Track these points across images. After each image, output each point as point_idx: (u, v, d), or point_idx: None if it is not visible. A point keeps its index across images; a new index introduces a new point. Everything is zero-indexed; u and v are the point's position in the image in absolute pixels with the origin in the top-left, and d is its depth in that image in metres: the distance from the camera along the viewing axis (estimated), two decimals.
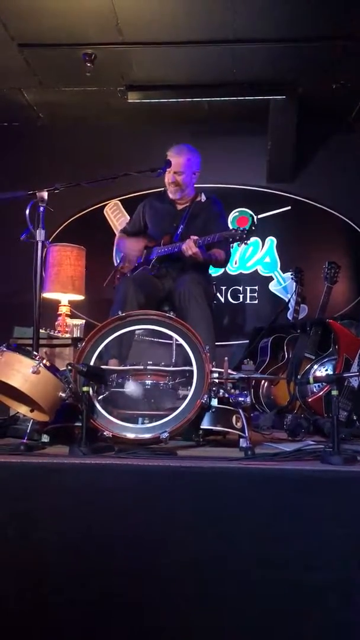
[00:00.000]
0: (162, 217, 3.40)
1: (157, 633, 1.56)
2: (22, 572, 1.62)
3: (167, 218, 3.37)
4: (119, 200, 4.92)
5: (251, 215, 4.55)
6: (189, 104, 4.46)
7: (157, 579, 1.58)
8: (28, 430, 2.13)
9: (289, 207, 4.82)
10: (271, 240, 4.81)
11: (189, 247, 3.02)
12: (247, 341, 4.46)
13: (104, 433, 2.08)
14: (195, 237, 3.04)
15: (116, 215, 4.93)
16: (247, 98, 4.33)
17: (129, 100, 4.39)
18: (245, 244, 3.01)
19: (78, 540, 1.63)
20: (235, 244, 3.04)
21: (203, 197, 3.37)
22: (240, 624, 1.53)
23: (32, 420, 2.18)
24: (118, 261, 3.60)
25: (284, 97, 4.28)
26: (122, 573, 1.59)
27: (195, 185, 3.40)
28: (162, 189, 3.44)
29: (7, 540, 1.64)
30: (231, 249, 3.29)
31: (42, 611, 1.59)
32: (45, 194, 2.55)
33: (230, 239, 2.98)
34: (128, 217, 4.69)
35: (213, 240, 3.06)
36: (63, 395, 2.09)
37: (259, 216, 4.76)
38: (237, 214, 4.82)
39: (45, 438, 2.22)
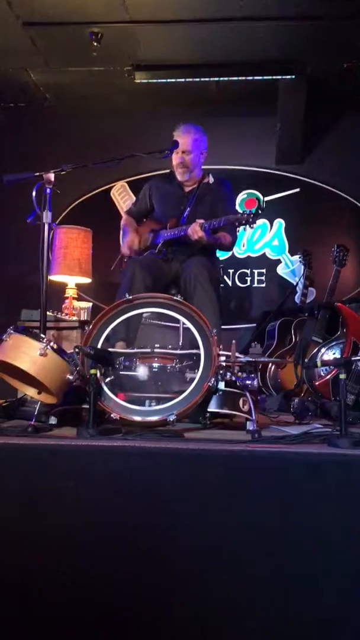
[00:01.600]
0: (169, 199, 3.37)
1: (163, 616, 1.57)
2: (29, 553, 1.64)
3: (173, 200, 3.34)
4: (126, 182, 4.89)
5: (258, 198, 4.51)
6: (196, 84, 4.40)
7: (163, 561, 1.59)
8: (36, 412, 2.15)
9: (298, 189, 4.77)
10: (279, 223, 4.77)
11: (195, 231, 3.00)
12: (255, 325, 4.45)
13: (112, 415, 2.09)
14: (201, 221, 3.01)
15: (123, 197, 4.90)
16: (255, 78, 4.27)
17: (136, 81, 4.33)
18: (252, 227, 2.97)
19: (85, 522, 1.64)
20: (241, 228, 3.00)
21: (211, 179, 3.33)
22: (248, 606, 1.54)
23: (39, 403, 2.19)
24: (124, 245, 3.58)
25: (293, 77, 4.21)
26: (129, 554, 1.60)
27: (202, 167, 3.37)
28: (169, 170, 3.41)
29: (14, 520, 1.65)
30: (238, 233, 3.25)
31: (47, 593, 1.61)
32: (52, 176, 2.53)
33: (237, 223, 2.94)
34: (135, 199, 4.67)
35: (219, 224, 3.02)
36: (70, 377, 2.10)
37: (268, 198, 4.72)
38: (245, 196, 4.78)
39: (52, 420, 2.23)
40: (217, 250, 3.36)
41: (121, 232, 3.59)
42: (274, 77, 4.25)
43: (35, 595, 1.61)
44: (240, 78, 4.30)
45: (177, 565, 1.59)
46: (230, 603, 1.55)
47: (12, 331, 2.14)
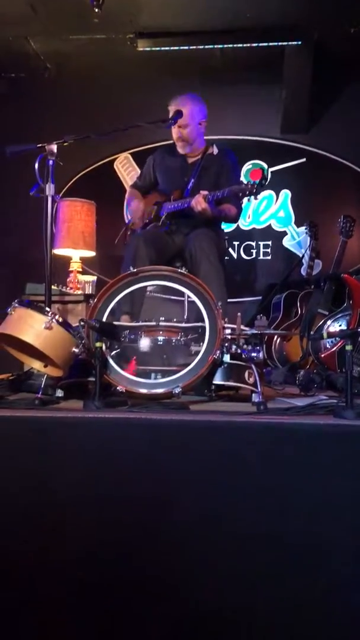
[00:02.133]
0: (173, 171, 3.33)
1: (170, 587, 1.59)
2: (36, 525, 1.66)
3: (177, 172, 3.30)
4: (130, 153, 4.83)
5: (263, 169, 4.45)
6: (200, 52, 4.30)
7: (169, 532, 1.61)
8: (42, 385, 2.16)
9: (304, 159, 4.69)
10: (285, 194, 4.71)
11: (198, 202, 2.96)
12: (260, 297, 4.44)
13: (117, 388, 2.10)
14: (205, 192, 2.97)
15: (127, 169, 4.84)
16: (260, 45, 4.17)
17: (139, 49, 4.25)
18: (256, 199, 2.93)
19: (92, 494, 1.66)
20: (246, 199, 2.95)
21: (215, 150, 3.27)
22: (253, 578, 1.57)
23: (46, 376, 2.20)
24: (129, 217, 3.56)
25: (299, 43, 4.11)
26: (134, 525, 1.62)
27: (206, 137, 3.32)
28: (172, 142, 3.36)
29: (21, 492, 1.68)
30: (242, 205, 3.21)
31: (54, 566, 1.63)
32: (54, 147, 2.50)
33: (240, 194, 2.90)
34: (139, 171, 4.60)
35: (223, 195, 2.98)
36: (76, 350, 2.10)
37: (273, 169, 4.65)
38: (250, 166, 4.71)
39: (59, 393, 2.24)
40: (222, 223, 3.33)
41: (125, 204, 3.56)
42: (280, 43, 4.14)
43: (41, 568, 1.64)
44: (244, 45, 4.21)
45: (182, 536, 1.61)
46: (236, 573, 1.57)
47: (17, 305, 2.14)
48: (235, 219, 3.33)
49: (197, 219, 3.07)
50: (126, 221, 3.78)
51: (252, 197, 2.86)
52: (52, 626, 1.62)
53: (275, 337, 3.84)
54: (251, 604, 1.56)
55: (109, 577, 1.62)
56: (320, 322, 3.34)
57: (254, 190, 2.83)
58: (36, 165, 2.45)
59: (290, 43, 4.13)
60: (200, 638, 1.57)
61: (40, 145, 2.51)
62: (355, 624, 1.51)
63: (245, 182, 2.98)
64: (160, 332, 2.29)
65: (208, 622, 1.57)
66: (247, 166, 4.69)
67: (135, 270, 2.29)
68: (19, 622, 1.63)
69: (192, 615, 1.58)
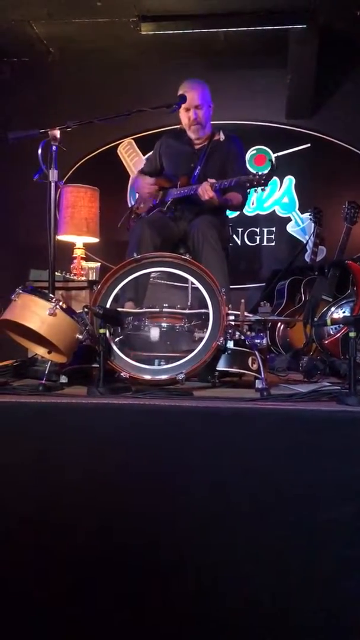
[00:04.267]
0: (179, 157, 3.32)
1: (173, 569, 1.61)
2: (40, 509, 1.68)
3: (184, 158, 3.29)
4: (133, 138, 4.79)
5: (270, 160, 4.40)
6: (204, 36, 4.25)
7: (172, 517, 1.63)
8: (46, 372, 2.17)
9: (309, 145, 4.65)
10: (290, 180, 4.68)
11: (205, 190, 2.95)
12: (264, 284, 4.43)
13: (121, 374, 2.11)
14: (212, 181, 2.97)
15: (130, 155, 4.81)
16: (265, 28, 4.11)
17: (142, 32, 4.19)
18: (263, 189, 2.92)
19: (95, 478, 1.67)
20: (253, 190, 2.95)
21: (222, 136, 3.26)
22: (255, 560, 1.58)
23: (50, 362, 2.21)
24: (132, 202, 3.54)
25: (304, 26, 4.05)
26: (139, 511, 1.64)
27: (212, 123, 3.30)
28: (179, 127, 3.33)
29: (26, 478, 1.69)
30: (248, 194, 3.20)
31: (57, 549, 1.65)
32: (57, 133, 2.48)
33: (247, 184, 2.89)
34: (142, 157, 4.58)
35: (230, 185, 2.98)
36: (80, 337, 2.11)
37: (277, 154, 4.62)
38: (254, 152, 4.67)
39: (63, 379, 2.25)
40: (227, 210, 3.32)
41: (129, 189, 3.55)
42: (284, 27, 4.09)
43: (48, 549, 1.66)
44: (249, 29, 4.15)
45: (185, 520, 1.62)
46: (240, 557, 1.59)
47: (21, 291, 2.14)
48: (240, 208, 3.32)
49: (202, 206, 3.06)
50: (129, 206, 3.77)
51: (260, 188, 2.85)
52: (55, 606, 1.65)
53: (279, 323, 3.84)
54: (255, 590, 1.57)
55: (111, 560, 1.63)
56: (324, 309, 3.34)
57: (262, 181, 2.82)
58: (39, 151, 2.43)
59: (295, 27, 4.06)
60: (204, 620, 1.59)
61: (42, 130, 2.49)
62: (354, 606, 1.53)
63: (253, 172, 2.96)
64: (164, 319, 2.30)
65: (211, 601, 1.59)
66: (251, 152, 4.66)
67: (139, 256, 2.29)
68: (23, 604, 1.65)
69: (195, 598, 1.60)
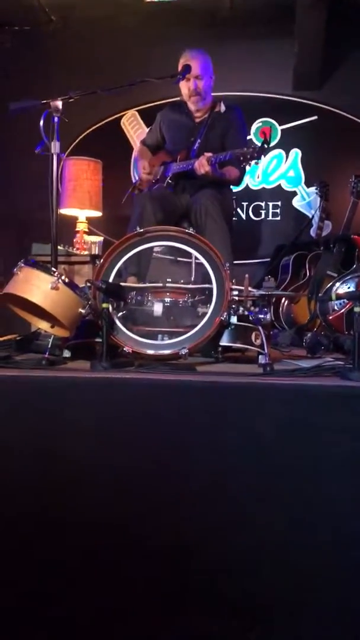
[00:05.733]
0: (179, 130, 3.27)
1: (180, 551, 1.62)
2: (43, 485, 1.68)
3: (183, 132, 3.24)
4: (137, 110, 4.72)
5: (272, 127, 4.33)
6: (209, 4, 4.16)
7: (176, 493, 1.63)
8: (49, 346, 2.16)
9: (315, 117, 4.56)
10: (296, 153, 4.60)
11: (201, 164, 2.92)
12: (269, 259, 4.39)
13: (124, 349, 2.10)
14: (209, 155, 2.93)
15: (133, 127, 4.74)
16: None
17: (146, 0, 4.10)
18: (257, 164, 2.87)
19: (98, 454, 1.67)
20: (247, 166, 2.90)
21: (222, 107, 3.20)
22: (259, 537, 1.59)
23: (53, 336, 2.20)
24: (136, 177, 3.50)
25: None
26: (141, 488, 1.64)
27: (214, 94, 3.23)
28: (179, 99, 3.27)
29: (29, 453, 1.70)
30: (244, 168, 3.15)
31: (60, 529, 1.65)
32: (59, 104, 2.44)
33: (242, 158, 2.84)
34: (146, 129, 4.51)
35: (224, 158, 2.94)
36: (83, 311, 2.10)
37: (283, 127, 4.55)
38: (260, 124, 4.59)
39: (66, 353, 2.25)
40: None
41: (132, 162, 3.51)
42: None
43: (47, 532, 1.67)
44: None
45: (189, 497, 1.63)
46: (238, 537, 1.60)
47: (23, 265, 2.13)
48: (236, 182, 3.29)
49: (203, 179, 3.02)
50: (133, 180, 3.73)
51: (254, 161, 2.80)
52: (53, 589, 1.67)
53: (283, 299, 3.82)
54: (256, 567, 1.59)
55: (115, 538, 1.64)
56: (329, 284, 3.31)
57: (256, 155, 2.77)
58: (41, 122, 2.40)
59: None
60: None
61: (44, 101, 2.45)
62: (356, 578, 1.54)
63: (248, 146, 2.89)
64: (167, 294, 2.28)
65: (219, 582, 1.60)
66: (257, 124, 4.58)
67: (142, 230, 2.27)
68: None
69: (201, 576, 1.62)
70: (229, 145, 3.05)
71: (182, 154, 3.16)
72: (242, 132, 3.27)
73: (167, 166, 3.22)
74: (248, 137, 4.23)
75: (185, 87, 3.14)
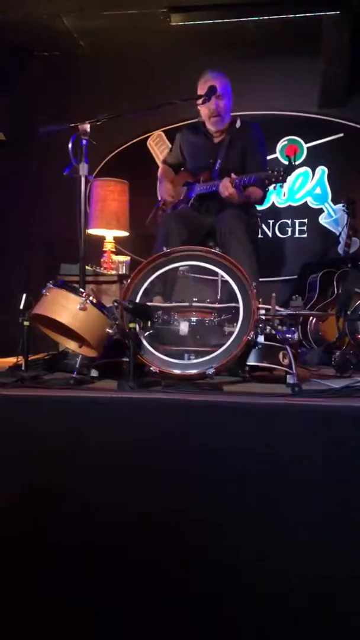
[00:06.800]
0: (199, 151, 3.31)
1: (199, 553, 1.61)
2: (70, 502, 1.69)
3: (203, 153, 3.27)
4: (163, 131, 4.78)
5: (299, 146, 4.33)
6: (234, 25, 4.19)
7: (200, 513, 1.62)
8: (77, 365, 2.18)
9: (342, 134, 4.56)
10: (322, 170, 4.60)
11: (226, 187, 2.96)
12: (295, 277, 4.37)
13: (151, 368, 2.10)
14: (233, 177, 2.95)
15: (160, 147, 4.79)
16: (297, 16, 4.04)
17: (172, 23, 4.16)
18: (282, 187, 2.90)
19: (124, 472, 1.67)
20: (272, 187, 2.95)
21: (238, 123, 3.23)
22: (288, 556, 1.57)
23: (80, 356, 2.22)
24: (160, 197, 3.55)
25: (338, 12, 3.96)
26: (167, 507, 1.63)
27: (240, 113, 3.27)
28: (197, 120, 3.31)
29: (57, 470, 1.70)
30: (267, 191, 3.18)
31: (86, 540, 1.65)
32: (87, 126, 2.48)
33: (267, 181, 2.87)
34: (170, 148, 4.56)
35: (249, 181, 2.98)
36: (110, 331, 2.11)
37: (309, 144, 4.55)
38: (286, 142, 4.61)
39: (94, 373, 2.26)
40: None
41: (158, 182, 3.55)
42: (317, 13, 4.00)
43: (71, 546, 1.67)
44: (280, 17, 4.08)
45: (211, 517, 1.61)
46: (272, 552, 1.58)
47: (51, 285, 2.15)
48: (260, 202, 3.31)
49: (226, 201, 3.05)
50: (159, 199, 3.77)
51: (279, 184, 2.84)
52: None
53: (311, 317, 3.78)
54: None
55: (139, 555, 1.64)
56: (358, 302, 3.27)
57: (281, 177, 2.80)
58: (69, 145, 2.44)
59: (328, 13, 3.98)
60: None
61: (72, 124, 2.49)
62: None
63: (272, 168, 2.94)
64: (194, 313, 2.28)
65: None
66: (282, 142, 4.59)
67: (168, 250, 2.28)
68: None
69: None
70: (249, 164, 3.08)
71: (205, 175, 3.19)
72: (260, 150, 3.28)
73: (191, 187, 3.25)
74: (274, 156, 4.25)
75: (205, 107, 3.17)
